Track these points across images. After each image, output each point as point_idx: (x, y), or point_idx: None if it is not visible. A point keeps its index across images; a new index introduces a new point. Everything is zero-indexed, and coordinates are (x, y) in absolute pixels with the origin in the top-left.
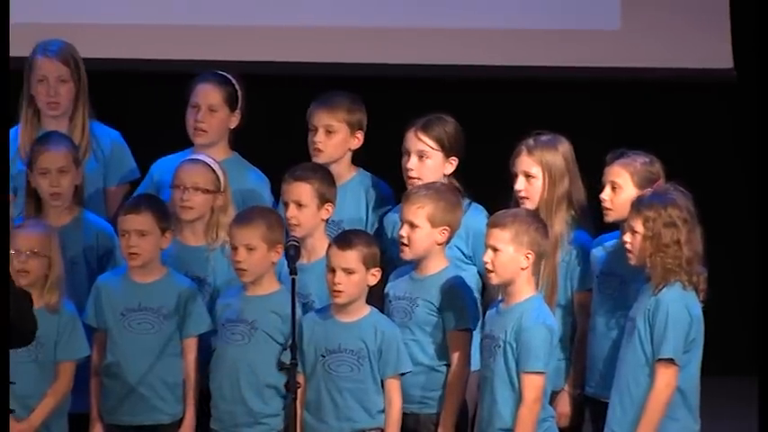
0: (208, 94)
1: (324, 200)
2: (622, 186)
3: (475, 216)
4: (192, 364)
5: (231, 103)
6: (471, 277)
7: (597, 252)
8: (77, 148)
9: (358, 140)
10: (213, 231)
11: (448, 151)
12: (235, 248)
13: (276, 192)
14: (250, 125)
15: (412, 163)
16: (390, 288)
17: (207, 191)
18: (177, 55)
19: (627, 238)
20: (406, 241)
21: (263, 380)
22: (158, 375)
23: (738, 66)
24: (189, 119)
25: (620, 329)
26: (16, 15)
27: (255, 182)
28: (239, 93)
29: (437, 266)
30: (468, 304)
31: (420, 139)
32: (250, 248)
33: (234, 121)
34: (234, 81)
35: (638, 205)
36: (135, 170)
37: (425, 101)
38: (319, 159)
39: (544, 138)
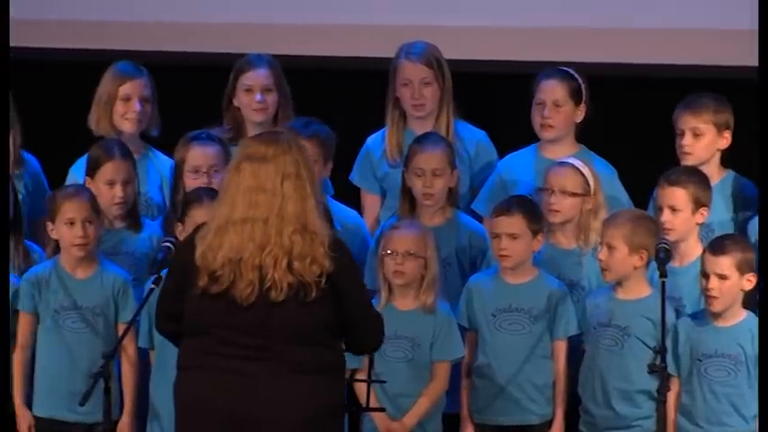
0: (552, 90)
1: (699, 204)
2: None
3: None
4: (562, 366)
5: (576, 97)
6: None
7: None
8: (454, 149)
9: (726, 141)
10: (585, 234)
11: None
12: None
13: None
14: (618, 128)
15: None
16: None
17: (575, 194)
18: (539, 56)
19: None
20: None
21: (636, 385)
22: (528, 376)
23: None
24: (535, 116)
25: None
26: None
27: (601, 173)
28: (583, 87)
29: None
30: None
31: None
32: (611, 247)
33: (579, 115)
34: (577, 76)
35: None
36: None
37: None
38: (688, 162)
39: None
